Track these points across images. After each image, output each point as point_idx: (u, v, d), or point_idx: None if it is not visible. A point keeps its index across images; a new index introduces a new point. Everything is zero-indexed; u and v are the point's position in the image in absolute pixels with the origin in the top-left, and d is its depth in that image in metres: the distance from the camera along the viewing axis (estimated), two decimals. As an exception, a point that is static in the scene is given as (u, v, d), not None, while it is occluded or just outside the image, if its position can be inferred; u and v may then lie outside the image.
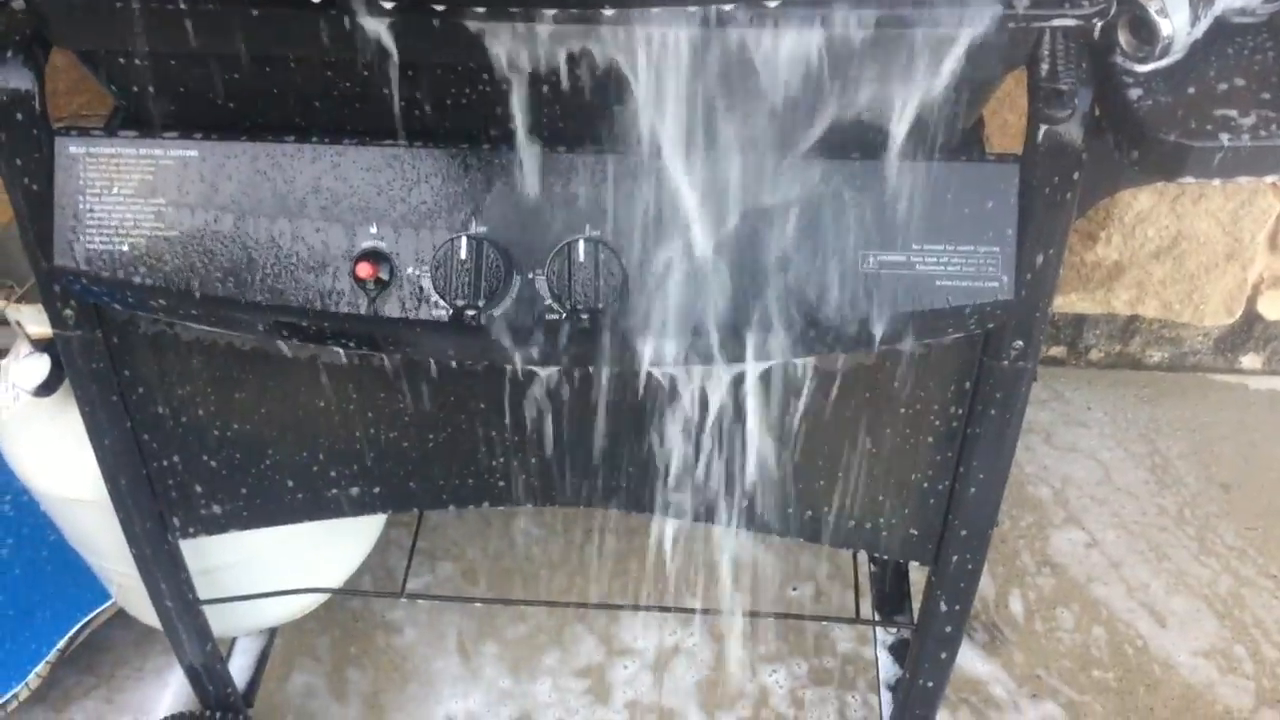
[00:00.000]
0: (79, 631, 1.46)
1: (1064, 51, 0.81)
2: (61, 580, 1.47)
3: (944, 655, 1.20)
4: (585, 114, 0.84)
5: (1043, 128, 0.83)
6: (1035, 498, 1.76)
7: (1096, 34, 0.81)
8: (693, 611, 1.55)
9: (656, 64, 0.78)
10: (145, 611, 1.30)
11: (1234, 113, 0.79)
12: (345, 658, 1.56)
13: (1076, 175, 0.85)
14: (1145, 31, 0.80)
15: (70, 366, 1.02)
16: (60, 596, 1.47)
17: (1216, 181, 0.80)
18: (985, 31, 0.77)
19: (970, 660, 1.55)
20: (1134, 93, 0.81)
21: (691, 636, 1.57)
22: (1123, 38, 0.82)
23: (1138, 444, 1.84)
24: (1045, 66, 0.81)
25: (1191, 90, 0.81)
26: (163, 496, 1.12)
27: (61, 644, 1.44)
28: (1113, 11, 0.77)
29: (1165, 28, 0.79)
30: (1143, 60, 0.82)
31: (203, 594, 1.23)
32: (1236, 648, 1.56)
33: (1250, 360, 1.93)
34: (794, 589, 1.61)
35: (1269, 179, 0.81)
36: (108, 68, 0.89)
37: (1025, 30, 0.78)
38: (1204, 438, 1.84)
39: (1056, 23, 0.78)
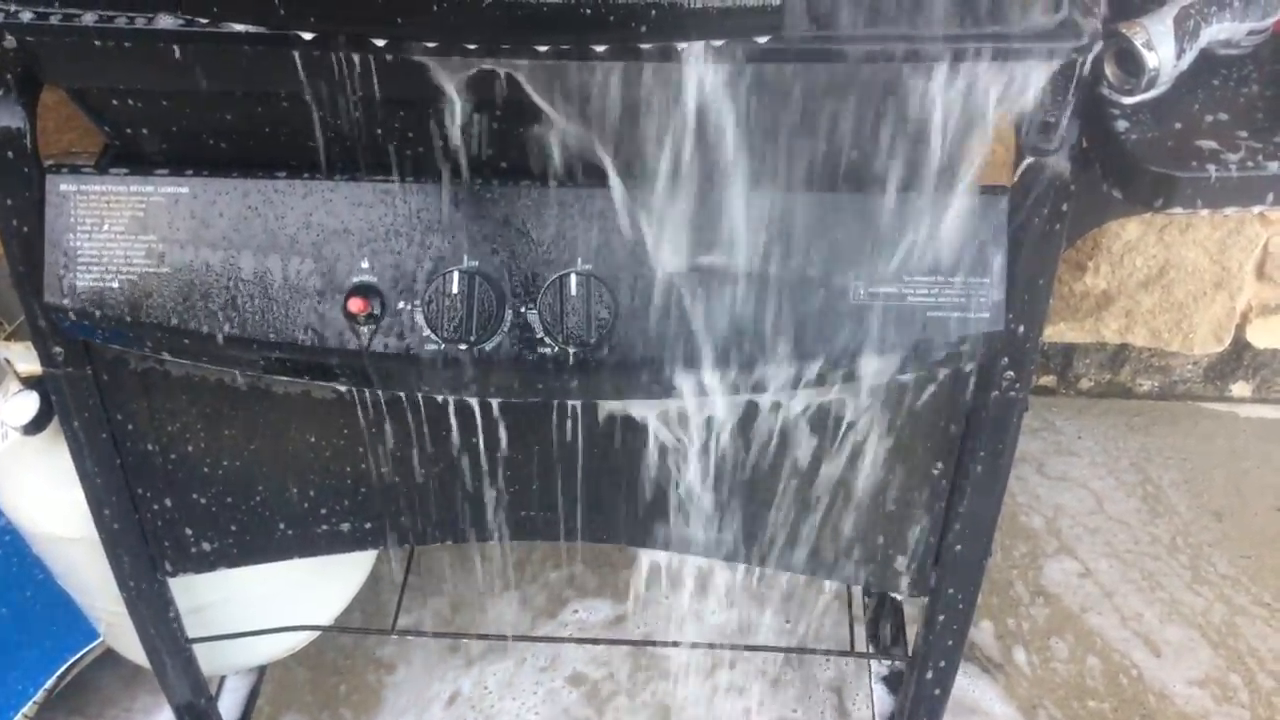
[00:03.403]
0: (66, 671, 1.44)
1: (1051, 84, 0.82)
2: (49, 619, 1.45)
3: (939, 688, 1.19)
4: (576, 148, 0.85)
5: (1031, 159, 0.84)
6: (1028, 527, 1.75)
7: (1084, 67, 0.81)
8: (690, 646, 1.54)
9: (646, 101, 0.78)
10: (133, 650, 1.29)
11: (1220, 144, 0.80)
12: (335, 696, 1.55)
13: (1065, 206, 0.86)
14: (1131, 64, 0.81)
15: (59, 404, 1.02)
16: (47, 636, 1.45)
17: (1204, 212, 0.80)
18: (973, 66, 0.77)
19: (965, 692, 1.54)
20: (1121, 125, 0.82)
21: (690, 670, 1.56)
22: (1109, 70, 0.82)
23: (1129, 473, 1.84)
24: (1033, 99, 0.82)
25: (1178, 122, 0.81)
26: (152, 534, 1.11)
27: (49, 684, 1.43)
28: (1099, 44, 0.78)
29: (1151, 60, 0.80)
30: (1129, 92, 0.82)
31: (191, 632, 1.22)
32: (1232, 677, 1.55)
33: (1240, 388, 1.94)
34: (788, 621, 1.60)
35: (1256, 209, 0.81)
36: (98, 105, 0.89)
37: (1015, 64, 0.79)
38: (1195, 466, 1.84)
39: (1045, 57, 0.79)
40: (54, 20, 0.77)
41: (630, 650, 1.58)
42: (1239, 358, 1.89)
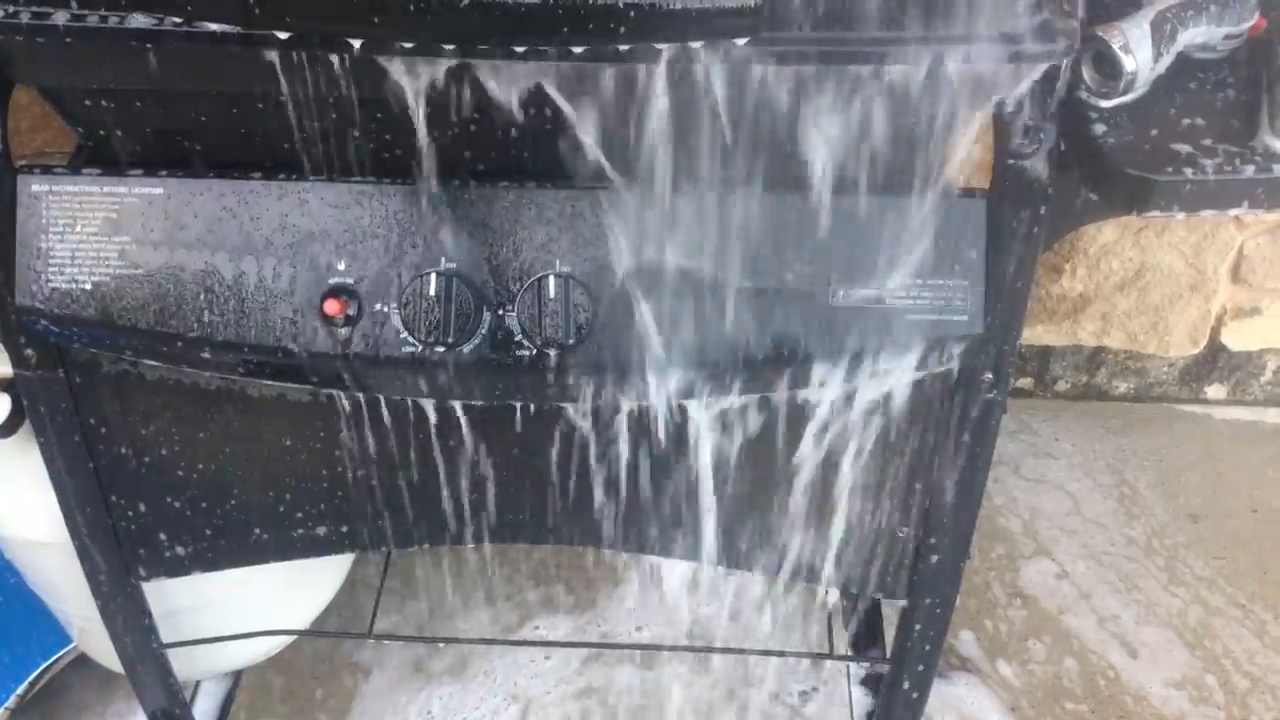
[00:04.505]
0: (39, 676, 1.43)
1: (1029, 87, 0.82)
2: (21, 624, 1.44)
3: (917, 690, 1.19)
4: (554, 150, 0.84)
5: (1009, 162, 0.84)
6: (1005, 529, 1.76)
7: (1062, 70, 0.81)
8: (669, 649, 1.53)
9: (624, 103, 0.78)
10: (107, 655, 1.28)
11: (1197, 148, 0.80)
12: (312, 701, 1.53)
13: (1043, 209, 0.86)
14: (1109, 67, 0.81)
15: (31, 407, 1.01)
16: (19, 640, 1.44)
17: (1180, 215, 0.81)
18: (952, 69, 0.77)
19: (942, 694, 1.54)
20: (1098, 128, 0.82)
21: (668, 672, 1.55)
22: (1087, 73, 0.83)
23: (1105, 475, 1.84)
24: (1011, 102, 0.82)
25: (1155, 125, 0.82)
26: (125, 539, 1.10)
27: (21, 690, 1.41)
28: (1077, 47, 0.78)
29: (1129, 63, 0.80)
30: (1107, 95, 0.83)
31: (166, 637, 1.21)
32: (1207, 678, 1.56)
33: (1215, 390, 1.95)
34: (767, 624, 1.60)
35: (1232, 213, 0.82)
36: (71, 105, 0.88)
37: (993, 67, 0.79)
38: (1171, 468, 1.85)
39: (1022, 60, 0.79)
40: (24, 19, 0.76)
41: (616, 653, 1.58)
42: (1214, 360, 1.90)
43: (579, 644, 1.58)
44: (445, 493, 1.07)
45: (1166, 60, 0.83)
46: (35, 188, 0.89)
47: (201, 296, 0.89)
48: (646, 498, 1.05)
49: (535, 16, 0.69)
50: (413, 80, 0.78)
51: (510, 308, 0.89)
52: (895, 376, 0.95)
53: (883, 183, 0.85)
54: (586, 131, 0.81)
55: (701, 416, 0.98)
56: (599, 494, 1.06)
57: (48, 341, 0.95)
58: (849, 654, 1.48)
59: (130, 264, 0.89)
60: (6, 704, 1.40)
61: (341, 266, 0.89)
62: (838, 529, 1.07)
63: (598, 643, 1.59)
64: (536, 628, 1.62)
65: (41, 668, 1.43)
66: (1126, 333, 1.83)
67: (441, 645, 1.59)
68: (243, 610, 1.33)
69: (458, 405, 1.00)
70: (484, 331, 0.89)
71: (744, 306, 0.88)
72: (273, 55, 0.78)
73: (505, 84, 0.78)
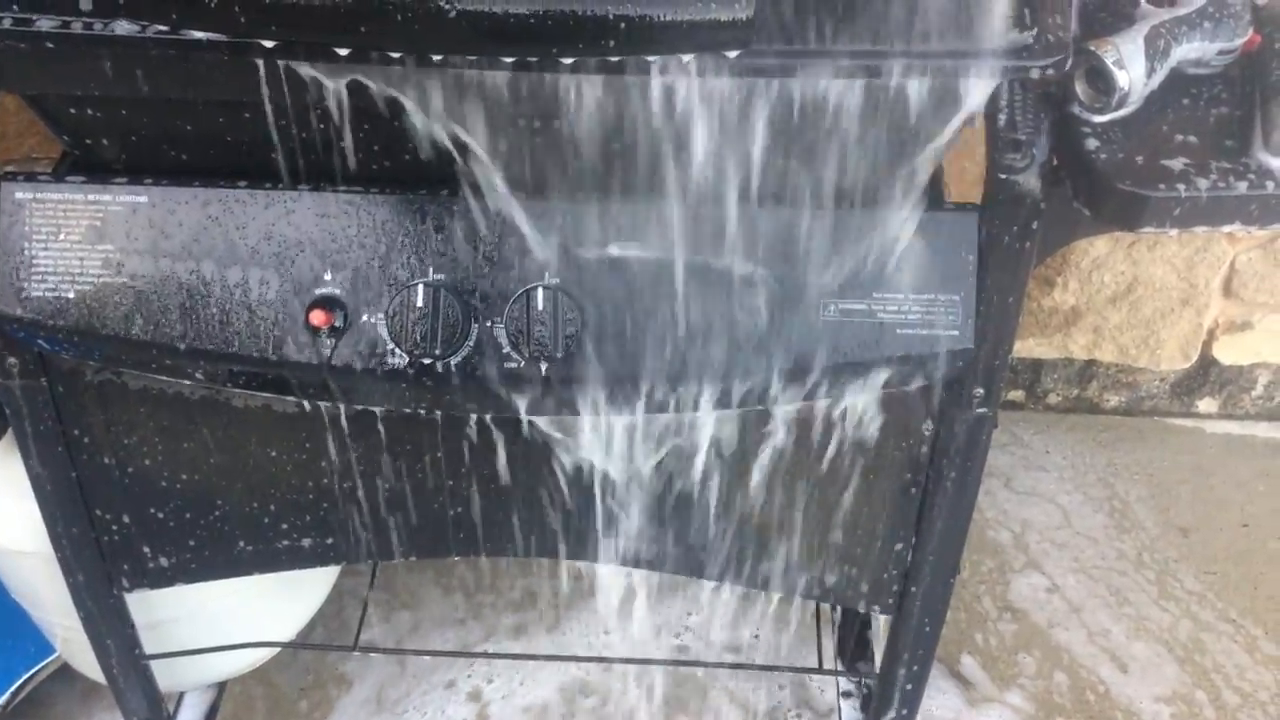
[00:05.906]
0: (21, 687, 1.42)
1: (1022, 102, 0.81)
2: (2, 634, 1.43)
3: (907, 706, 1.19)
4: (542, 162, 0.84)
5: (1001, 177, 0.83)
6: (996, 542, 1.75)
7: (1056, 85, 0.81)
8: (657, 663, 1.52)
9: (615, 114, 0.77)
10: (90, 666, 1.27)
11: (1190, 164, 0.80)
12: (296, 714, 1.52)
13: (1035, 224, 0.86)
14: (1102, 82, 0.81)
15: (14, 416, 1.00)
16: (1, 651, 1.42)
17: (1173, 231, 0.80)
18: (944, 83, 0.77)
19: (933, 708, 1.53)
20: (1091, 143, 0.82)
21: (655, 686, 1.55)
22: (1080, 88, 0.82)
23: (1096, 488, 1.84)
24: (1004, 116, 0.81)
25: (1148, 141, 0.81)
26: (108, 549, 1.09)
27: (2, 700, 1.40)
28: (1070, 62, 0.77)
29: (1122, 79, 0.80)
30: (1100, 111, 0.82)
31: (149, 648, 1.20)
32: (1198, 693, 1.56)
33: (1206, 404, 1.95)
34: (755, 637, 1.59)
35: (1225, 229, 0.81)
36: (55, 112, 0.87)
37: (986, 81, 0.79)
38: (1162, 482, 1.85)
39: (1015, 74, 0.78)
40: (6, 24, 0.75)
41: (601, 666, 1.57)
42: (1205, 374, 1.90)
43: (564, 658, 1.58)
44: (430, 505, 1.07)
45: (1159, 76, 0.82)
46: (19, 195, 0.88)
47: (186, 306, 0.89)
48: (634, 511, 1.05)
49: (525, 28, 0.68)
50: (399, 90, 0.77)
51: (498, 320, 0.88)
52: (886, 391, 0.94)
53: (874, 196, 0.85)
54: (576, 142, 0.81)
55: (688, 430, 0.98)
56: (587, 508, 1.05)
57: (30, 350, 0.94)
58: (839, 668, 1.47)
59: (114, 273, 0.89)
60: (-12, 714, 1.39)
61: (328, 277, 0.88)
62: (826, 543, 1.07)
63: (575, 656, 1.58)
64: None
65: (24, 678, 1.42)
66: (1118, 346, 1.83)
67: (429, 659, 1.58)
68: (227, 621, 1.32)
69: (444, 417, 0.99)
70: (472, 343, 0.89)
71: (735, 320, 0.88)
72: (258, 64, 0.77)
73: (492, 95, 0.77)
